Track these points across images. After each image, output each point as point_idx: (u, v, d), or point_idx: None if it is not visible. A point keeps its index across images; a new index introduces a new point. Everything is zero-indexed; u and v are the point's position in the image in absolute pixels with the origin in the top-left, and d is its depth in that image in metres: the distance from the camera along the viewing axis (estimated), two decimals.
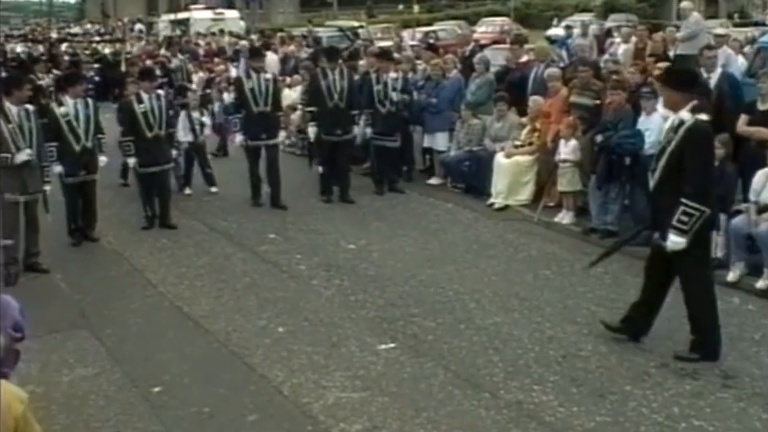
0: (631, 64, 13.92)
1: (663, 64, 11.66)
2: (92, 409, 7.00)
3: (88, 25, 64.51)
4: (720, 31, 17.48)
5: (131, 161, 12.32)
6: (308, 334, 8.34)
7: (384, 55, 15.14)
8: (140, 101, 12.09)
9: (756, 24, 34.85)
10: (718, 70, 11.33)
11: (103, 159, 11.80)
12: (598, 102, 11.48)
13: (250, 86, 13.17)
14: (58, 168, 11.22)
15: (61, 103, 11.59)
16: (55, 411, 6.96)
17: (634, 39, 17.31)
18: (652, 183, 7.65)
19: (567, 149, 11.48)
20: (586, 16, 37.56)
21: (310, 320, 8.68)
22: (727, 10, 45.77)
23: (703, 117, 7.35)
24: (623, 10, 45.53)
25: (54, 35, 45.39)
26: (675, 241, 7.29)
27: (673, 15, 40.63)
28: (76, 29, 59.43)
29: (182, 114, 14.60)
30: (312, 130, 13.78)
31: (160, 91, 12.77)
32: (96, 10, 78.09)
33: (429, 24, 44.86)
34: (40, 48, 28.42)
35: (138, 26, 52.46)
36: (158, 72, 21.78)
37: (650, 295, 7.88)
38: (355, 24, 40.98)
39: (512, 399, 6.94)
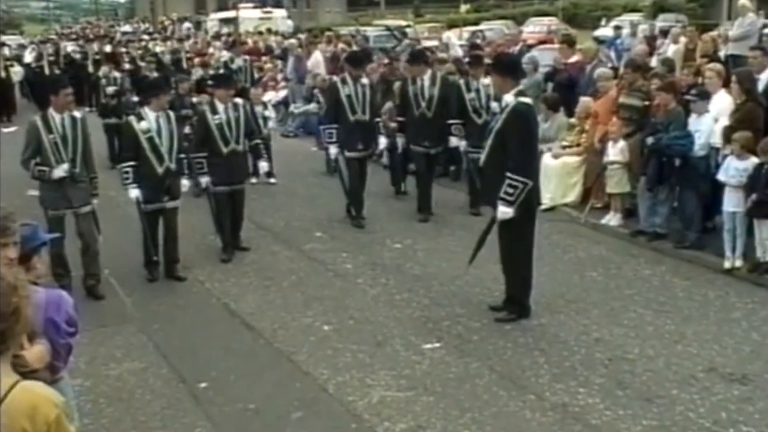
0: (682, 65, 13.77)
1: (714, 65, 11.51)
2: (139, 403, 7.07)
3: (136, 24, 65.08)
4: None
5: (204, 180, 10.71)
6: (353, 333, 8.36)
7: (476, 60, 13.54)
8: (215, 111, 10.63)
9: None
10: None
11: (185, 183, 10.31)
12: (647, 103, 11.37)
13: (347, 93, 11.92)
14: (134, 192, 9.82)
15: (140, 117, 9.96)
16: (102, 404, 7.05)
17: (683, 39, 17.12)
18: (481, 160, 8.74)
19: (615, 150, 11.39)
20: (634, 16, 37.25)
21: (355, 319, 8.70)
22: None
23: (526, 100, 8.38)
24: (672, 10, 45.05)
25: (118, 35, 44.72)
26: (503, 211, 8.18)
27: (723, 15, 40.14)
28: (125, 27, 59.96)
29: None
30: (400, 141, 12.84)
31: (239, 100, 11.15)
32: (146, 9, 78.87)
33: (476, 23, 44.75)
34: (95, 46, 27.89)
35: (186, 24, 52.85)
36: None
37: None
38: (403, 23, 41.06)
39: (558, 401, 6.91)
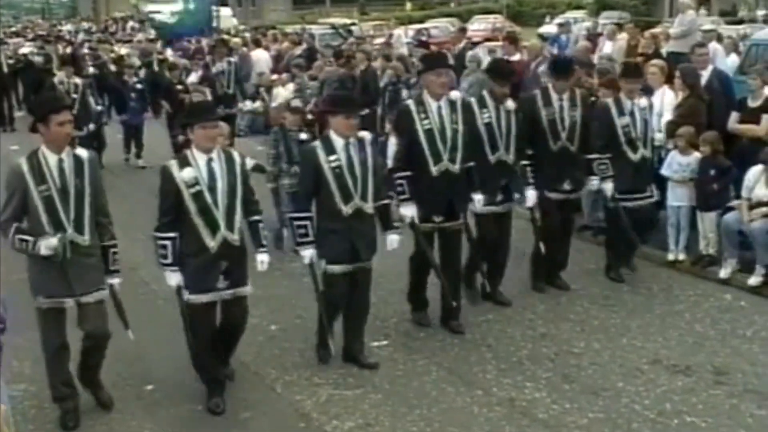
0: (623, 61, 13.91)
1: (657, 61, 11.65)
2: (85, 407, 6.96)
3: (83, 24, 64.22)
4: (708, 26, 17.47)
5: (308, 253, 7.34)
6: (301, 332, 8.33)
7: (631, 70, 9.88)
8: (330, 150, 7.21)
9: (742, 21, 35.00)
10: (710, 68, 11.34)
11: (263, 259, 7.07)
12: (592, 99, 11.47)
13: (486, 120, 8.47)
14: (175, 278, 6.76)
15: (184, 161, 6.65)
16: (47, 409, 6.95)
17: (624, 35, 17.28)
18: (455, 166, 7.96)
19: None
20: (578, 14, 37.68)
21: (302, 318, 8.67)
22: (719, 8, 45.84)
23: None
24: (615, 7, 45.61)
25: (81, 36, 42.17)
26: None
27: (666, 12, 40.72)
28: (68, 27, 59.10)
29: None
30: (532, 194, 8.79)
31: (365, 133, 7.56)
32: (88, 8, 77.98)
33: (421, 21, 44.94)
34: (60, 48, 25.46)
35: (131, 24, 52.28)
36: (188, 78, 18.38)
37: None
38: (348, 21, 41.08)
39: (505, 396, 6.96)
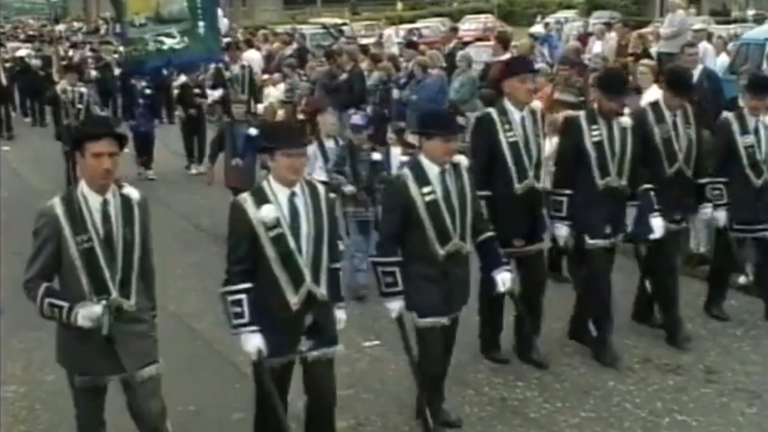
0: (614, 60, 13.99)
1: (648, 61, 11.70)
2: None
3: (74, 24, 64.00)
4: (698, 26, 17.58)
5: (395, 306, 6.22)
6: None
7: (757, 84, 8.48)
8: (424, 181, 5.99)
9: (735, 21, 35.13)
10: (700, 67, 11.39)
11: (341, 317, 5.78)
12: (582, 99, 11.51)
13: (596, 138, 7.24)
14: (254, 342, 5.30)
15: (261, 196, 5.32)
16: (39, 410, 6.96)
17: (614, 35, 17.35)
18: (540, 184, 7.26)
19: (551, 146, 11.47)
20: (569, 13, 37.72)
21: None
22: (709, 8, 45.97)
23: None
24: (606, 7, 45.68)
25: (80, 38, 40.81)
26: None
27: (657, 12, 40.80)
28: (59, 27, 58.86)
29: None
30: (659, 223, 7.49)
31: (461, 158, 6.22)
32: (79, 8, 77.76)
33: (412, 21, 44.99)
34: (62, 51, 24.71)
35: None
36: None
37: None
38: (339, 21, 41.12)
39: (496, 395, 6.98)
